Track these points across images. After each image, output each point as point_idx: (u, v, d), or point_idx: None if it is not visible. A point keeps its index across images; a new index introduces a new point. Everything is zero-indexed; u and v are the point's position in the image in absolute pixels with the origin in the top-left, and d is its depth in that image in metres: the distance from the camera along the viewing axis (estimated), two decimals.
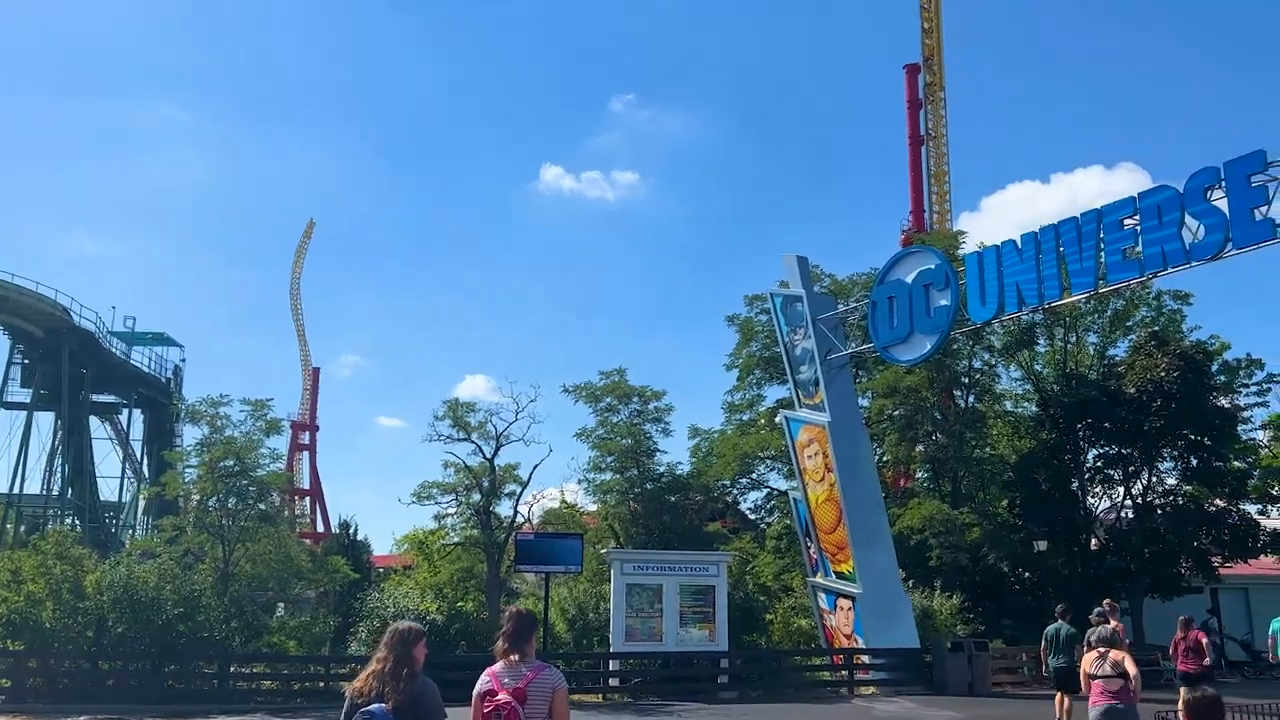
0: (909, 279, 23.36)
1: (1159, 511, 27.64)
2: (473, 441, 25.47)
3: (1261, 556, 30.32)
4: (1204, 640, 15.76)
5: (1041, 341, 33.40)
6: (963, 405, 31.50)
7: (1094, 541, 30.99)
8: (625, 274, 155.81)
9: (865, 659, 23.23)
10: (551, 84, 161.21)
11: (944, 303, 22.44)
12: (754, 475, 36.50)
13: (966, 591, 27.85)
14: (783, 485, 36.74)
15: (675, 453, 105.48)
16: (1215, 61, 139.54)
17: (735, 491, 37.36)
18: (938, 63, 74.71)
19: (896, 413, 29.99)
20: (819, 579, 25.15)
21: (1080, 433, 28.99)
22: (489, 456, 25.59)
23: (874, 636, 23.24)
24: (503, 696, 5.04)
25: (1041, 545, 27.10)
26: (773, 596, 28.59)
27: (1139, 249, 18.73)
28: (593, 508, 32.50)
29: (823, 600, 24.98)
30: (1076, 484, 29.60)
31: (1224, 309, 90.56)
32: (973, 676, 22.66)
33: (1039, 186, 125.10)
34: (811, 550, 25.57)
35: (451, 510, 25.87)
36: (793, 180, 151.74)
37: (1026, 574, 31.50)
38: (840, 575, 24.41)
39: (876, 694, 22.19)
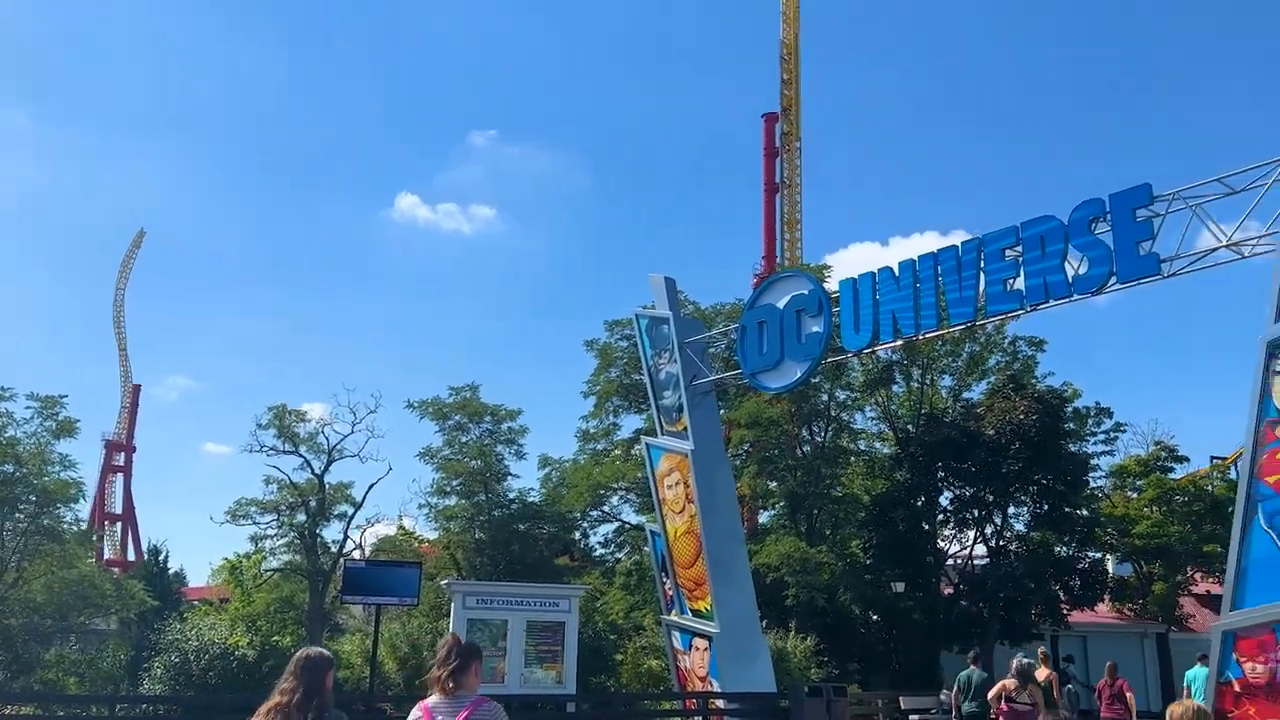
0: (781, 304, 22.45)
1: (1013, 556, 27.49)
2: (301, 455, 23.05)
3: (1099, 605, 30.64)
4: (1128, 690, 15.12)
5: (899, 382, 33.32)
6: (822, 441, 30.88)
7: (947, 585, 30.78)
8: (480, 307, 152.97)
9: (720, 703, 21.82)
10: (411, 111, 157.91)
11: (816, 329, 21.57)
12: (606, 508, 35.05)
13: (820, 633, 27.01)
14: (635, 519, 35.42)
15: (528, 478, 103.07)
16: (1053, 126, 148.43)
17: (585, 525, 35.77)
18: (795, 114, 76.39)
19: (756, 444, 29.02)
20: (674, 617, 23.69)
21: (938, 473, 28.72)
22: (319, 473, 23.24)
23: (730, 679, 21.89)
24: None
25: (899, 587, 26.56)
26: (623, 635, 27.01)
27: (1020, 281, 18.18)
28: (433, 535, 30.29)
29: (677, 640, 23.52)
30: (931, 526, 29.30)
31: (1070, 359, 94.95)
32: None
33: (878, 249, 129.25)
34: (668, 586, 24.12)
35: (272, 532, 23.30)
36: (654, 223, 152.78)
37: (875, 617, 31.03)
38: (697, 613, 23.02)
39: None
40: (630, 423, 35.49)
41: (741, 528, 25.22)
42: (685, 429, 24.33)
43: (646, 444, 25.65)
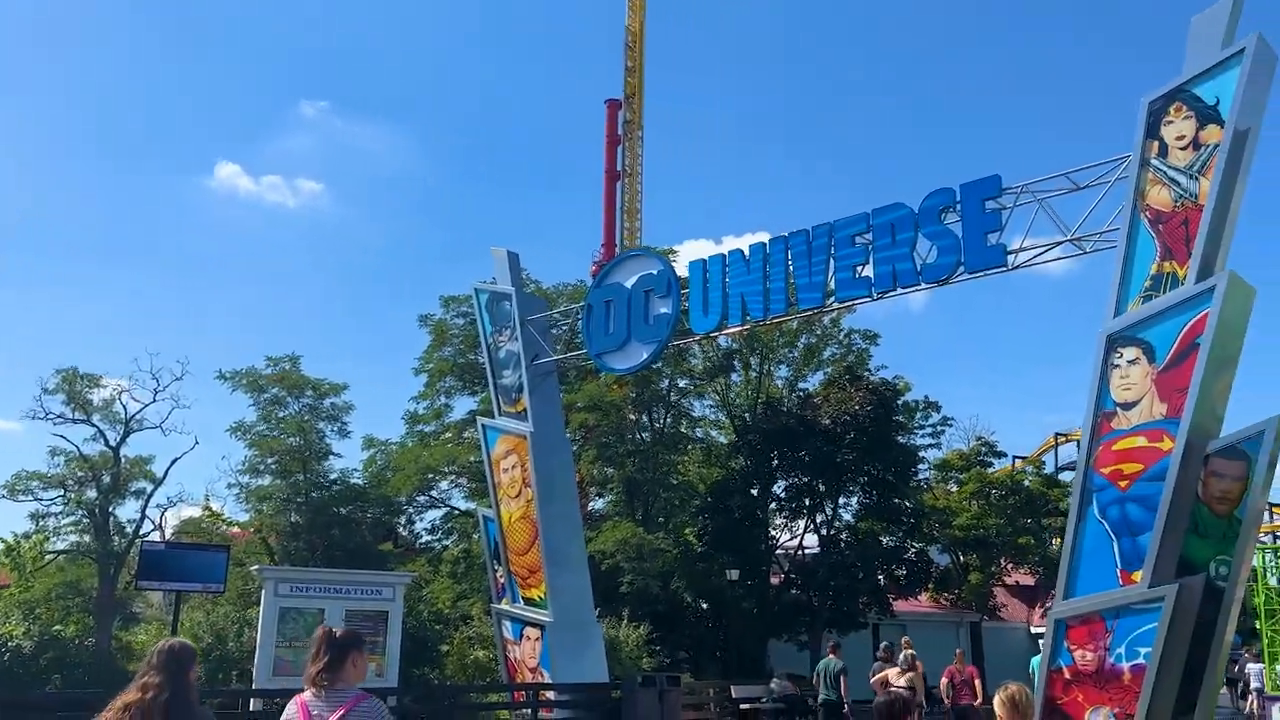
0: (629, 284, 21.87)
1: (843, 545, 27.87)
2: (93, 424, 20.81)
3: (921, 594, 31.50)
4: (976, 678, 16.11)
5: (738, 370, 33.39)
6: (661, 427, 30.55)
7: (777, 574, 31.00)
8: (304, 284, 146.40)
9: (551, 695, 21.06)
10: (234, 75, 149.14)
11: (664, 310, 21.10)
12: (434, 493, 33.71)
13: (652, 621, 26.67)
14: (465, 505, 34.24)
15: (351, 459, 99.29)
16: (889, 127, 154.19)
17: (412, 510, 34.33)
18: (639, 101, 76.31)
19: (595, 428, 28.39)
20: (505, 606, 22.78)
21: (774, 462, 28.82)
22: (114, 444, 21.02)
23: (562, 670, 21.17)
24: None
25: (733, 574, 26.46)
26: (449, 625, 25.88)
27: (869, 268, 18.14)
28: (244, 517, 28.25)
29: (508, 630, 22.62)
30: (765, 515, 29.42)
31: (899, 354, 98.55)
32: (663, 714, 21.07)
33: (711, 246, 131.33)
34: (499, 574, 23.18)
35: (56, 509, 20.98)
36: (492, 208, 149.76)
37: (705, 604, 30.98)
38: (530, 602, 22.19)
39: None
40: (463, 404, 34.30)
41: (579, 514, 24.52)
42: (524, 410, 23.43)
43: (483, 425, 24.60)
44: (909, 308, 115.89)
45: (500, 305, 24.93)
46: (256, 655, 18.50)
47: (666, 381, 30.45)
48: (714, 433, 34.62)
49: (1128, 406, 14.71)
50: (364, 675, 4.73)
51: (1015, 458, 40.96)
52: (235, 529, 28.39)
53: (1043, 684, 14.72)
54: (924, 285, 17.56)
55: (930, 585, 29.47)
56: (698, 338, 21.79)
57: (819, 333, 33.27)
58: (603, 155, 75.67)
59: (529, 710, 20.90)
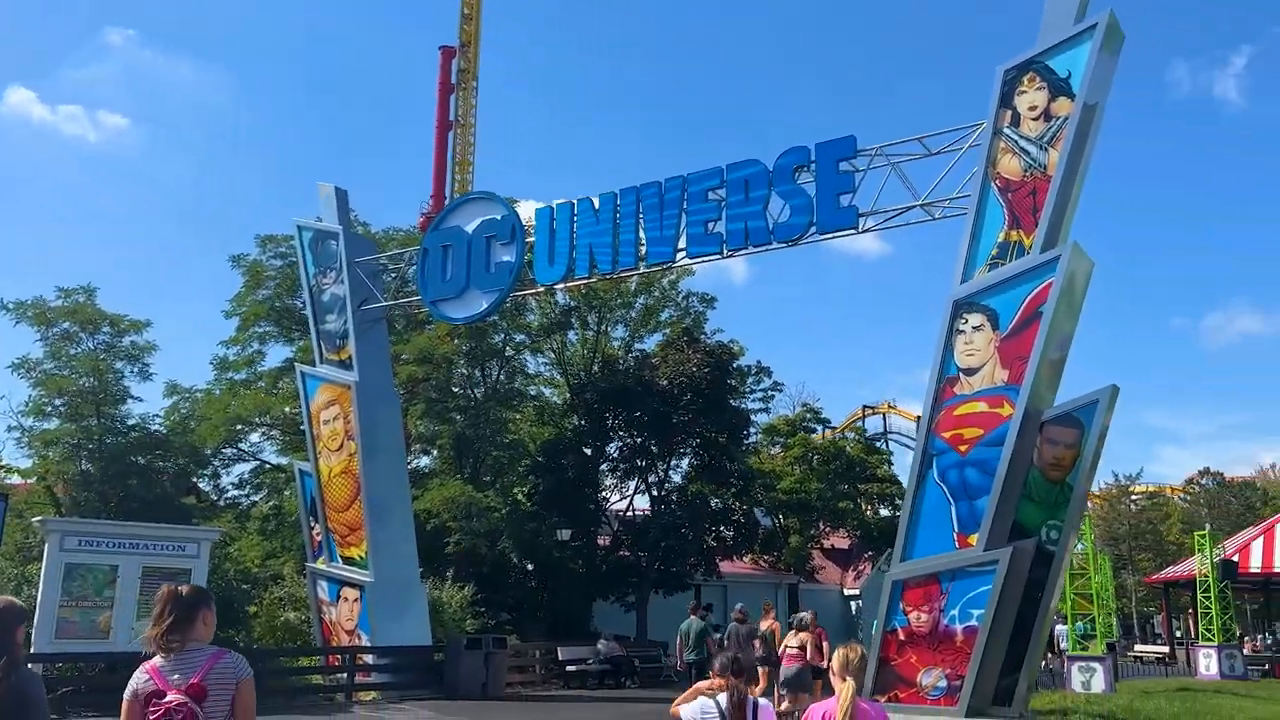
0: (469, 228, 20.86)
1: (674, 506, 27.76)
2: None
3: (744, 556, 31.88)
4: (824, 640, 15.74)
5: (575, 329, 32.73)
6: (494, 383, 29.59)
7: (606, 535, 30.71)
8: (103, 222, 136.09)
9: (370, 659, 20.04)
10: None
11: (508, 258, 20.23)
12: (244, 445, 31.63)
13: (477, 582, 25.89)
14: (277, 459, 32.31)
15: (152, 403, 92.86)
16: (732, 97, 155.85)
17: (218, 463, 32.10)
18: (474, 51, 74.26)
19: (424, 382, 27.17)
20: (322, 565, 21.54)
21: (610, 421, 28.39)
22: None
23: (383, 632, 20.19)
24: (174, 697, 4.08)
25: (565, 534, 25.91)
26: (258, 585, 24.31)
27: (722, 224, 17.79)
28: (27, 464, 25.55)
29: (324, 590, 21.40)
30: (598, 475, 28.99)
31: (732, 319, 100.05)
32: (488, 677, 20.46)
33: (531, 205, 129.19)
34: (316, 531, 21.88)
35: None
36: (313, 152, 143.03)
37: (530, 565, 30.38)
38: (349, 561, 21.04)
39: (380, 700, 19.13)
40: (278, 352, 32.23)
41: (406, 470, 23.40)
42: (349, 358, 22.09)
43: (302, 373, 23.06)
44: (731, 279, 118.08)
45: (325, 245, 23.34)
46: (36, 616, 16.61)
47: (501, 336, 29.45)
48: (548, 391, 33.90)
49: (970, 372, 14.92)
50: (212, 632, 4.37)
51: (826, 427, 42.15)
52: (16, 478, 25.70)
53: (877, 645, 14.87)
54: (776, 244, 17.32)
55: (756, 547, 29.85)
56: (541, 289, 20.96)
57: (657, 294, 32.98)
58: (435, 104, 73.30)
59: (345, 675, 19.78)
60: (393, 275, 24.34)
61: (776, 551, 34.50)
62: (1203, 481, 79.10)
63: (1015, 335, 14.59)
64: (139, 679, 4.21)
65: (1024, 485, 14.58)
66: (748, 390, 31.69)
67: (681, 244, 18.21)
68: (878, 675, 14.62)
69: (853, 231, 16.89)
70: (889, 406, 62.20)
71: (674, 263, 18.40)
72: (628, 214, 18.88)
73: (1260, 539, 43.34)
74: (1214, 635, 30.33)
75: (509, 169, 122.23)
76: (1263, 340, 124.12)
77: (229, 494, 32.56)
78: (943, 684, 14.16)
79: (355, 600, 20.51)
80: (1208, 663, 30.15)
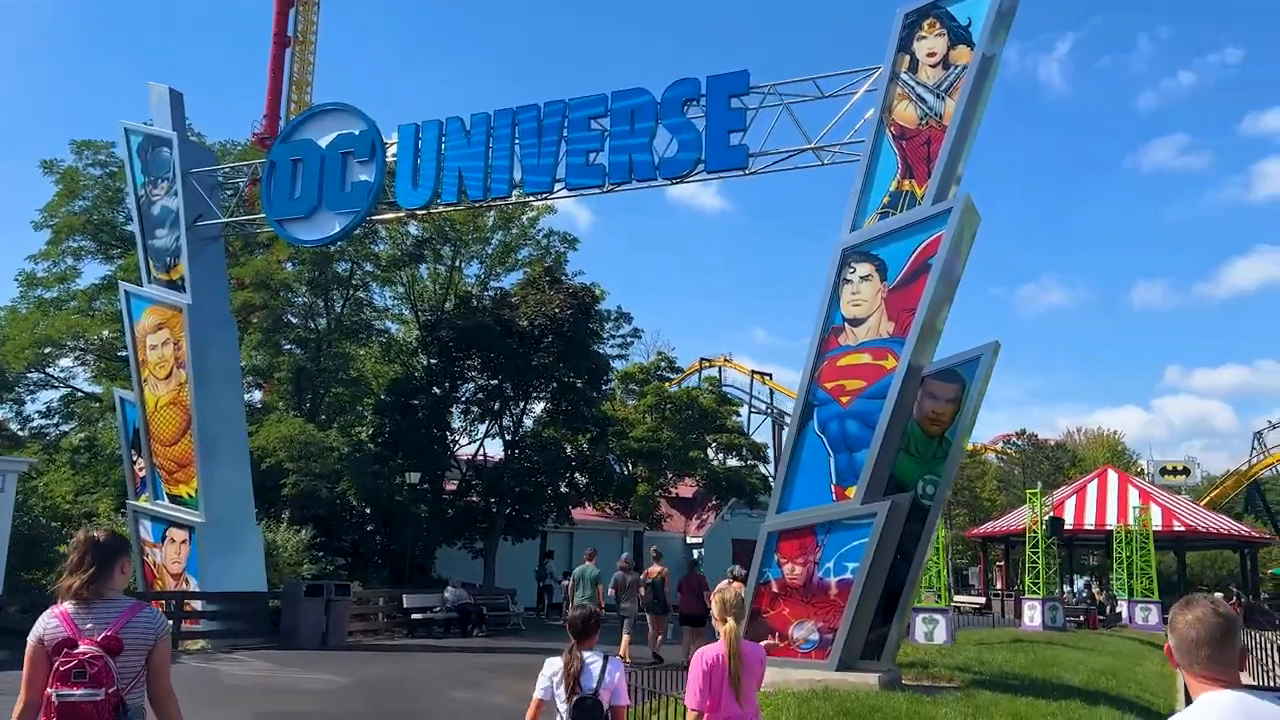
0: (323, 142, 19.36)
1: (529, 451, 26.94)
2: None
3: (599, 502, 31.47)
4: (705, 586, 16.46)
5: (426, 262, 31.24)
6: (339, 314, 27.93)
7: (452, 479, 29.65)
8: None
9: (198, 605, 18.61)
10: None
11: (366, 178, 18.89)
12: (53, 370, 28.98)
13: (315, 525, 24.55)
14: (91, 386, 29.77)
15: None
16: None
17: (22, 389, 29.34)
18: None
19: (262, 309, 25.32)
20: (145, 503, 19.84)
21: (465, 361, 27.24)
22: None
23: (214, 576, 18.79)
24: (86, 648, 3.82)
25: (414, 477, 24.76)
26: (70, 524, 22.27)
27: (604, 155, 16.96)
28: None
29: (147, 530, 19.72)
30: (449, 416, 27.86)
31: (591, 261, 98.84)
32: (328, 626, 19.34)
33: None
34: (139, 466, 20.12)
35: None
36: (133, 56, 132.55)
37: (370, 509, 29.10)
38: (177, 499, 19.44)
39: (209, 649, 17.74)
40: (95, 270, 29.58)
41: (242, 402, 21.75)
42: (181, 279, 20.25)
43: (126, 293, 21.01)
44: (574, 224, 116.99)
45: (157, 152, 21.25)
46: None
47: (348, 265, 27.73)
48: (394, 327, 32.35)
49: (856, 323, 14.66)
50: (126, 581, 4.14)
51: (663, 378, 42.10)
52: None
53: (749, 596, 14.61)
54: (661, 181, 16.63)
55: (610, 494, 29.44)
56: (403, 214, 19.60)
57: (516, 231, 31.81)
58: (272, 16, 69.02)
59: (170, 622, 18.23)
60: (229, 192, 22.43)
61: (625, 499, 34.20)
62: (1018, 442, 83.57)
63: (903, 287, 14.38)
64: (48, 624, 3.92)
65: (902, 439, 14.49)
66: (608, 336, 31.06)
67: (560, 174, 17.28)
68: (749, 627, 14.35)
69: (742, 172, 16.35)
70: (725, 360, 62.80)
71: (551, 193, 17.45)
72: (502, 138, 17.80)
73: (1073, 498, 46.21)
74: (1040, 589, 31.94)
75: (354, 98, 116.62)
76: (1066, 312, 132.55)
77: (35, 423, 29.83)
78: (814, 637, 14.03)
79: (183, 542, 18.96)
80: (1032, 614, 31.72)
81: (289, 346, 26.90)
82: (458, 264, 31.78)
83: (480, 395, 27.54)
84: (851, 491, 14.12)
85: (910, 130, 14.87)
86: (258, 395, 29.85)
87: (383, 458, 26.45)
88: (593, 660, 5.50)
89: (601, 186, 17.05)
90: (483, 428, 29.29)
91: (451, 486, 29.66)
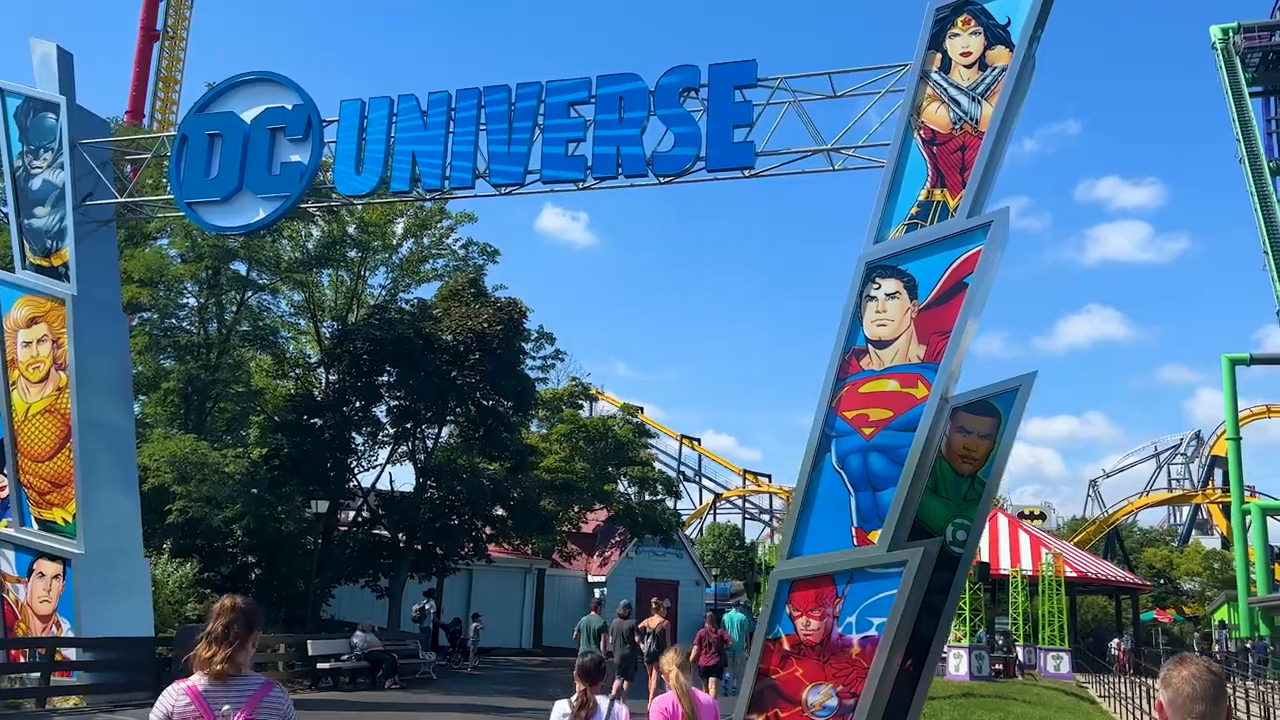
0: (248, 116, 17.02)
1: (450, 480, 24.55)
2: None
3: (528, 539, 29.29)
4: (728, 640, 16.70)
5: (329, 269, 28.61)
6: (235, 318, 25.09)
7: (348, 509, 26.99)
8: None
9: (71, 653, 15.73)
10: None
11: (298, 159, 16.64)
12: None
13: (200, 557, 21.72)
14: None
15: None
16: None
17: None
18: None
19: (151, 310, 22.41)
20: (8, 529, 16.79)
21: (378, 377, 24.73)
22: None
23: (93, 618, 16.05)
24: None
25: (321, 506, 22.15)
26: None
27: (588, 146, 15.18)
28: None
29: (8, 562, 16.77)
30: (355, 438, 25.25)
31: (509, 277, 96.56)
32: None
33: None
34: (1, 485, 17.04)
35: None
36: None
37: (257, 539, 26.15)
38: (48, 526, 16.62)
39: (86, 707, 14.98)
40: None
41: (133, 413, 18.90)
42: (65, 265, 17.47)
43: None
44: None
45: (40, 118, 18.40)
46: None
47: (245, 266, 24.92)
48: (287, 337, 29.48)
49: (881, 345, 13.18)
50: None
51: (577, 406, 40.25)
52: None
53: (756, 655, 12.86)
54: (655, 178, 14.93)
55: (533, 529, 27.25)
56: (342, 201, 17.28)
57: (429, 240, 29.49)
58: (140, 7, 65.10)
59: (37, 674, 15.29)
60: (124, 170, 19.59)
61: (547, 535, 31.99)
62: None
63: (935, 307, 13.00)
64: (177, 702, 3.65)
65: (930, 478, 13.02)
66: (530, 356, 28.97)
67: (534, 165, 15.35)
68: (754, 691, 12.62)
69: (746, 172, 14.78)
70: (597, 393, 61.39)
71: (523, 186, 15.49)
72: (465, 120, 15.83)
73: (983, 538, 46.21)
74: (965, 636, 31.18)
75: None
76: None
77: None
78: (833, 702, 12.36)
79: (56, 576, 16.09)
80: (958, 663, 30.91)
81: (171, 356, 23.88)
82: (363, 273, 29.26)
83: (395, 415, 25.01)
84: (875, 536, 12.58)
85: (942, 135, 13.58)
86: (137, 406, 26.61)
87: (277, 482, 23.66)
88: (601, 703, 6.07)
89: (582, 181, 15.24)
90: (384, 453, 26.73)
91: (349, 516, 27.03)
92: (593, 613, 18.16)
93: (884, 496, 12.67)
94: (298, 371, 28.19)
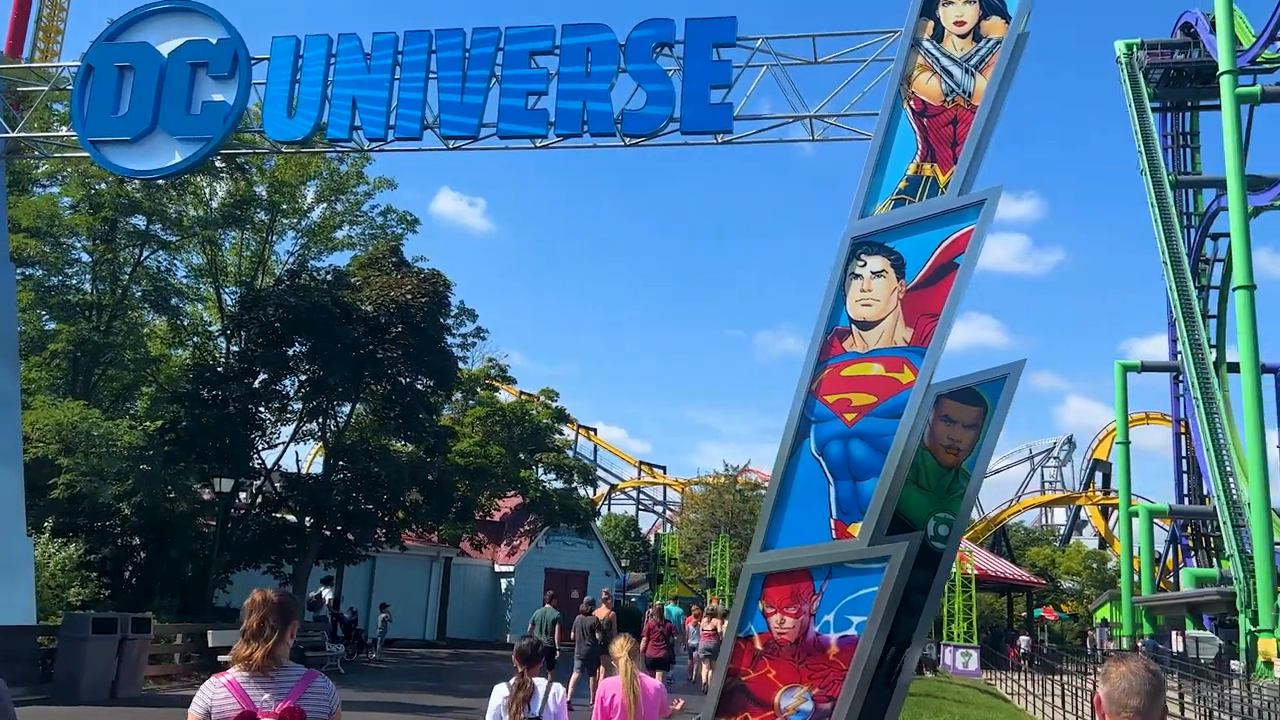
0: (165, 49, 15.42)
1: (364, 459, 23.03)
2: None
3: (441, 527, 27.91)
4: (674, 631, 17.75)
5: (234, 231, 26.72)
6: (130, 278, 23.09)
7: (247, 490, 25.22)
8: None
9: None
10: None
11: (222, 99, 15.12)
12: None
13: (86, 537, 19.87)
14: None
15: None
16: None
17: None
18: None
19: (38, 263, 20.35)
20: None
21: (288, 349, 23.05)
22: None
23: None
24: None
25: (225, 484, 20.46)
26: None
27: (550, 100, 14.04)
28: None
29: None
30: (262, 413, 23.51)
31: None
32: (119, 672, 15.06)
33: None
34: None
35: None
36: None
37: (140, 519, 24.19)
38: None
39: None
40: None
41: (18, 376, 16.97)
42: None
43: None
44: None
45: None
46: None
47: (146, 220, 22.93)
48: (183, 300, 27.39)
49: (866, 326, 12.39)
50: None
51: (493, 388, 39.04)
52: None
53: (726, 654, 11.94)
54: (622, 138, 13.89)
55: (451, 515, 25.85)
56: (270, 148, 15.73)
57: (345, 206, 27.80)
58: None
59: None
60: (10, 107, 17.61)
61: (465, 523, 30.61)
62: None
63: (924, 288, 12.27)
64: (215, 696, 3.57)
65: (911, 469, 12.29)
66: (450, 333, 27.55)
67: (490, 117, 14.12)
68: (723, 693, 11.70)
69: (723, 136, 13.86)
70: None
71: (478, 138, 14.25)
72: (414, 65, 14.55)
73: None
74: None
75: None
76: (798, 359, 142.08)
77: None
78: (808, 706, 11.52)
79: None
80: None
81: (58, 315, 21.80)
82: (271, 237, 27.41)
83: (304, 390, 23.34)
84: (856, 529, 11.79)
85: (934, 107, 12.86)
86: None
87: (173, 458, 21.81)
88: (539, 687, 6.31)
89: (543, 137, 14.09)
90: (291, 430, 25.01)
91: (246, 496, 25.25)
92: (547, 605, 17.57)
93: (865, 487, 11.91)
94: (195, 340, 26.23)
